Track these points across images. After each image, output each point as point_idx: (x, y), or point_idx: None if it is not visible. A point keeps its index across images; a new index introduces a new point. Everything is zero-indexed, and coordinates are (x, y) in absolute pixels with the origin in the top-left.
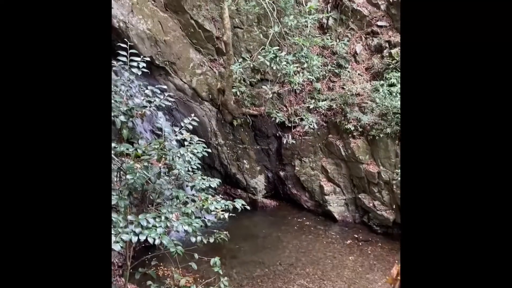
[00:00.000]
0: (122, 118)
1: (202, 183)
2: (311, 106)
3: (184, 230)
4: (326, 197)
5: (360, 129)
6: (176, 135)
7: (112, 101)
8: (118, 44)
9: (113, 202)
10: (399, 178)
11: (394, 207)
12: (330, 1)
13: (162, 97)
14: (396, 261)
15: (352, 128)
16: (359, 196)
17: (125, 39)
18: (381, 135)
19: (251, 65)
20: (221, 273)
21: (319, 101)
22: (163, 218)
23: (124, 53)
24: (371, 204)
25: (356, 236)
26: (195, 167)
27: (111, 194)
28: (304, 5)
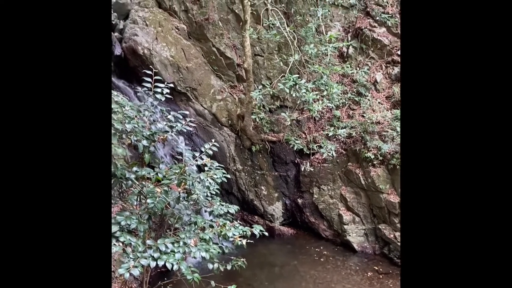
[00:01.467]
0: (144, 142)
1: (221, 208)
2: (330, 134)
3: (202, 256)
4: (345, 226)
5: (381, 158)
6: (197, 160)
7: (135, 125)
8: (144, 70)
9: (133, 226)
10: None
11: None
12: (350, 31)
13: (183, 122)
14: None
15: (372, 157)
16: (379, 227)
17: (150, 66)
18: None
19: (271, 92)
20: None
21: (338, 129)
22: (181, 243)
23: (148, 79)
24: (392, 236)
25: (376, 268)
26: (214, 193)
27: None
28: (325, 34)
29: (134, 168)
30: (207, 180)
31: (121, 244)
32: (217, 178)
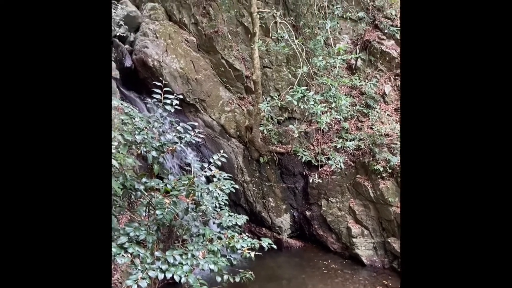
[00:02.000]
0: (154, 153)
1: (229, 220)
2: (339, 146)
3: (210, 269)
4: (354, 239)
5: (390, 170)
6: (205, 171)
7: (145, 136)
8: (153, 82)
9: (141, 237)
10: None
11: None
12: (359, 43)
13: (192, 133)
14: None
15: (381, 169)
16: (388, 240)
17: (159, 77)
18: None
19: (279, 104)
20: None
21: (347, 141)
22: (189, 255)
23: (158, 90)
24: None
25: (386, 282)
26: (223, 203)
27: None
28: (333, 46)
29: (143, 179)
30: (216, 190)
31: (129, 255)
32: (226, 188)
